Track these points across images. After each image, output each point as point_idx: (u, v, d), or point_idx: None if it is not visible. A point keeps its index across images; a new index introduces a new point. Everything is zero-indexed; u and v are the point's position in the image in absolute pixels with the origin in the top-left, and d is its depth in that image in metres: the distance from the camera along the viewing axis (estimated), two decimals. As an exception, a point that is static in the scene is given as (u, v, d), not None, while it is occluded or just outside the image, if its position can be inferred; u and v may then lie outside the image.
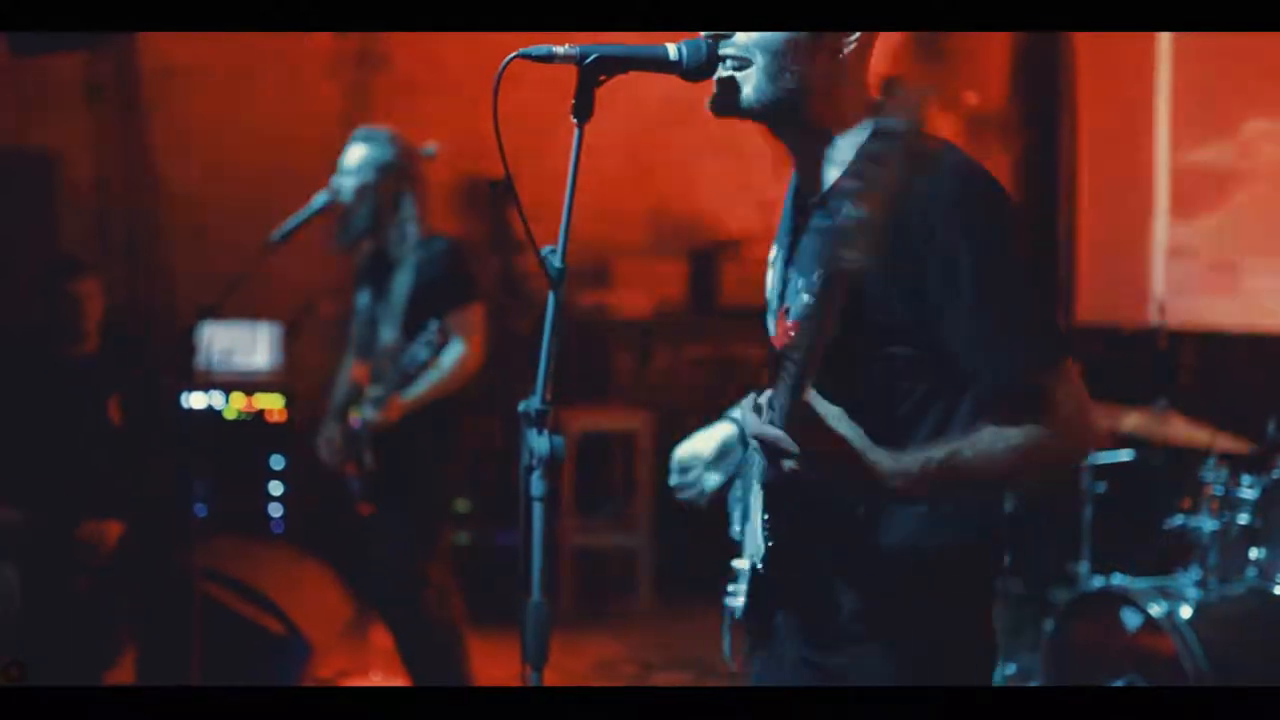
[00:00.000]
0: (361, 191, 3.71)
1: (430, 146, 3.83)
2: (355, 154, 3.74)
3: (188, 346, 3.84)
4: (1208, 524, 3.40)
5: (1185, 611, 3.20)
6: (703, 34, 1.70)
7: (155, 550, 4.11)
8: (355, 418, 3.65)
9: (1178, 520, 3.48)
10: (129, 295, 5.20)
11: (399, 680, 4.36)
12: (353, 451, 3.71)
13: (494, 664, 4.79)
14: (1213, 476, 3.45)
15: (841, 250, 1.38)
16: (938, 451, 1.63)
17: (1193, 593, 3.29)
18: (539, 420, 1.81)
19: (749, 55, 1.67)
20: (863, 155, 1.68)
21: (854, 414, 1.60)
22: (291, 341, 5.67)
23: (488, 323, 3.74)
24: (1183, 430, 3.63)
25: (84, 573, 4.04)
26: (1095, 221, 6.02)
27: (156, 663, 3.92)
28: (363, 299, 3.83)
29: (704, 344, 6.32)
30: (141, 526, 4.15)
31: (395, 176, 3.70)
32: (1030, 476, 1.74)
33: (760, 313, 1.93)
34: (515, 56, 1.55)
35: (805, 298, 1.73)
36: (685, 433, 6.99)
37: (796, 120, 1.74)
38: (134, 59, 5.69)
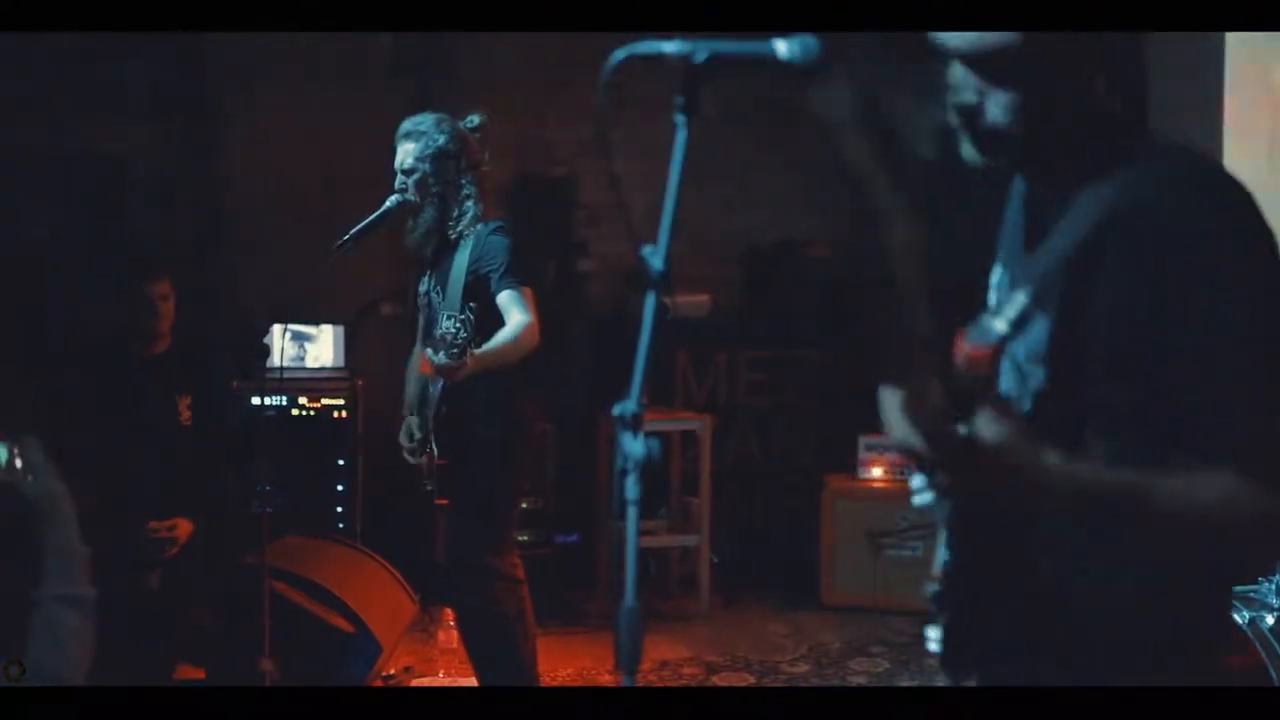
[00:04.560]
0: (423, 186, 3.73)
1: (474, 117, 3.83)
2: (408, 149, 3.74)
3: (257, 348, 3.87)
4: (1290, 530, 3.33)
5: (1270, 619, 3.13)
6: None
7: (224, 548, 4.15)
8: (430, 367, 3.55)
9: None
10: (198, 297, 5.25)
11: (464, 677, 4.39)
12: (426, 444, 3.78)
13: (555, 663, 4.80)
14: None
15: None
16: (1114, 471, 1.50)
17: (1276, 600, 3.22)
18: (634, 423, 1.79)
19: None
20: (1144, 177, 1.57)
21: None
22: (354, 342, 5.71)
23: (539, 307, 3.71)
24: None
25: (155, 569, 4.08)
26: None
27: (228, 661, 3.95)
28: (424, 284, 3.85)
29: (762, 345, 6.30)
30: (211, 524, 4.19)
31: (452, 160, 3.72)
32: (1233, 537, 1.54)
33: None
34: (625, 55, 1.52)
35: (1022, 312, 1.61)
36: (743, 433, 6.82)
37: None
38: (200, 63, 5.75)
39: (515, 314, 3.61)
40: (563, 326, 6.40)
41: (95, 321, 4.70)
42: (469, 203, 3.72)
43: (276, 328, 4.44)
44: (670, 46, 1.51)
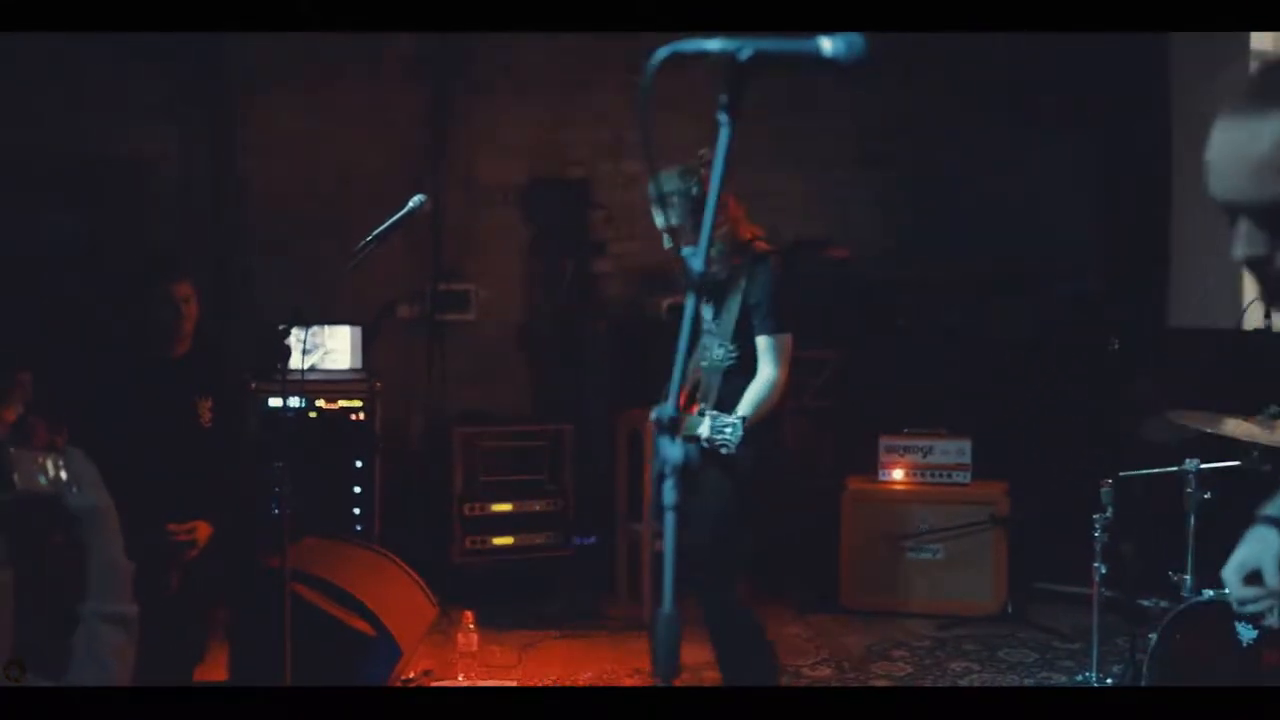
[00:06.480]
0: (680, 231, 3.83)
1: (704, 152, 3.91)
2: (670, 208, 3.84)
3: (278, 350, 3.84)
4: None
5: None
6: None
7: (244, 550, 4.12)
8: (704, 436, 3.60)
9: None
10: (217, 298, 5.23)
11: (484, 680, 4.37)
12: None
13: (576, 665, 4.78)
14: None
15: None
16: None
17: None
18: (672, 427, 1.76)
19: None
20: None
21: None
22: (372, 343, 5.69)
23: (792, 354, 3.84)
24: (1295, 437, 3.51)
25: (175, 571, 4.06)
26: (1188, 220, 5.88)
27: (249, 663, 3.93)
28: (707, 314, 3.96)
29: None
30: (230, 527, 4.17)
31: (694, 198, 3.81)
32: None
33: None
34: (669, 53, 1.48)
35: None
36: (761, 434, 6.63)
37: None
38: (223, 63, 5.74)
39: (767, 366, 3.76)
40: (580, 327, 6.38)
41: (118, 324, 4.68)
42: (733, 233, 3.81)
43: (297, 329, 4.42)
44: (714, 44, 1.48)
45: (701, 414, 3.74)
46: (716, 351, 3.85)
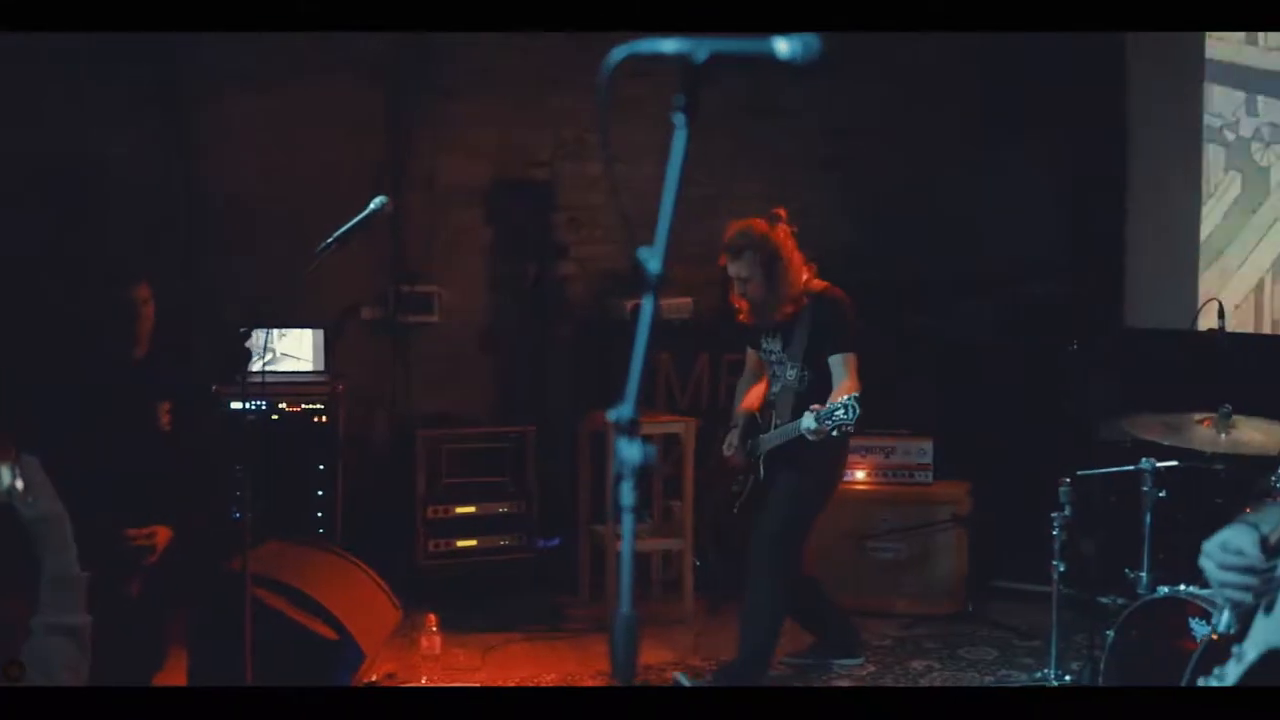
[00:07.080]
0: (760, 286, 4.37)
1: (778, 215, 4.43)
2: (741, 262, 4.36)
3: (238, 352, 3.82)
4: (1276, 531, 3.33)
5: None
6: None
7: (205, 555, 4.09)
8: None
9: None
10: (178, 301, 5.19)
11: (448, 684, 4.36)
12: (752, 464, 4.53)
13: (540, 667, 4.78)
14: (1281, 482, 3.39)
15: None
16: None
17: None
18: (630, 428, 1.77)
19: None
20: None
21: None
22: (334, 345, 5.67)
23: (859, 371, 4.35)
24: (1250, 436, 3.56)
25: (134, 577, 4.03)
26: (1143, 222, 5.95)
27: (209, 668, 3.90)
28: (775, 346, 4.53)
29: (743, 348, 6.28)
30: (190, 531, 4.14)
31: (777, 259, 4.34)
32: None
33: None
34: (625, 54, 1.49)
35: None
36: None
37: None
38: (181, 65, 5.69)
39: (845, 380, 4.26)
40: (543, 329, 6.38)
41: (76, 326, 4.64)
42: (784, 288, 4.35)
43: (257, 332, 4.39)
44: (670, 45, 1.48)
45: (779, 427, 4.39)
46: (790, 374, 4.40)
